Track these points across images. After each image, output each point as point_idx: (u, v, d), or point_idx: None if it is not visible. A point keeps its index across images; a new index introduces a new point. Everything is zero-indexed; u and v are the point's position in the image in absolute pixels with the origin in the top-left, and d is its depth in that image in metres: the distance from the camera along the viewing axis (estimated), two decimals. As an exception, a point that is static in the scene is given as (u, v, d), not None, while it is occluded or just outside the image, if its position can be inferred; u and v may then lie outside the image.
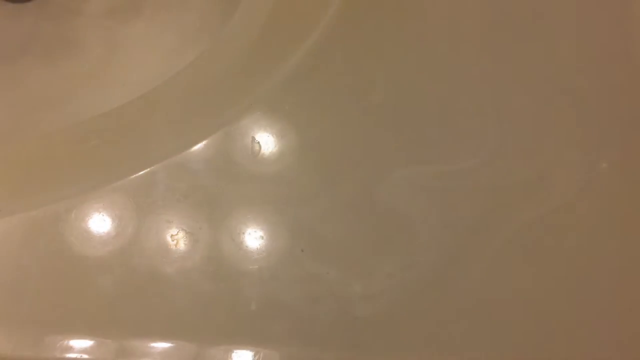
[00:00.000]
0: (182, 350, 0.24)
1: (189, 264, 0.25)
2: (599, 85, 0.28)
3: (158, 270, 0.25)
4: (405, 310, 0.24)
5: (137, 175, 0.26)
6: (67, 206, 0.26)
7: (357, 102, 0.28)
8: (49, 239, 0.25)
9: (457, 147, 0.27)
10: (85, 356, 0.24)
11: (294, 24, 0.29)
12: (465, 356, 0.24)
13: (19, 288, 0.25)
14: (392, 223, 0.26)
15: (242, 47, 0.29)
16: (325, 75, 0.28)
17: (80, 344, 0.24)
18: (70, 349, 0.24)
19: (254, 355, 0.24)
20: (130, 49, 0.37)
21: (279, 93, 0.28)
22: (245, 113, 0.28)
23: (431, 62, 0.28)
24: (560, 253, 0.25)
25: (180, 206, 0.26)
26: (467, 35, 0.29)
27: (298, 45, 0.29)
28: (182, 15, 0.37)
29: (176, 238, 0.25)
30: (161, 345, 0.24)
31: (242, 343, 0.24)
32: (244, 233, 0.26)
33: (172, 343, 0.24)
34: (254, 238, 0.26)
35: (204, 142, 0.27)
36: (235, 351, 0.24)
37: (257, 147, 0.27)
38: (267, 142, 0.27)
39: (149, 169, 0.26)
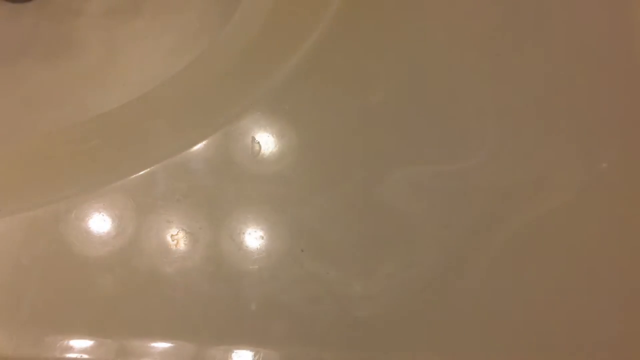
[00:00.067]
0: (182, 350, 0.24)
1: (189, 264, 0.25)
2: (599, 85, 0.28)
3: (158, 270, 0.25)
4: (405, 310, 0.24)
5: (137, 175, 0.26)
6: (67, 206, 0.26)
7: (357, 102, 0.28)
8: (49, 239, 0.25)
9: (457, 147, 0.27)
10: (85, 356, 0.24)
11: (294, 24, 0.29)
12: (465, 356, 0.24)
13: (19, 288, 0.25)
14: (392, 223, 0.26)
15: (242, 47, 0.29)
16: (325, 76, 0.28)
17: (80, 344, 0.24)
18: (70, 349, 0.24)
19: (254, 355, 0.24)
20: (130, 49, 0.37)
21: (279, 93, 0.28)
22: (245, 113, 0.28)
23: (431, 62, 0.28)
24: (560, 253, 0.25)
25: (180, 206, 0.26)
26: (467, 35, 0.29)
27: (298, 45, 0.29)
28: (182, 15, 0.37)
29: (176, 238, 0.25)
30: (161, 345, 0.24)
31: (242, 343, 0.24)
32: (243, 233, 0.26)
33: (172, 343, 0.24)
34: (253, 238, 0.25)
35: (204, 142, 0.27)
36: (235, 351, 0.24)
37: (257, 147, 0.27)
38: (267, 142, 0.27)
39: (149, 169, 0.26)
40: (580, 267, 0.25)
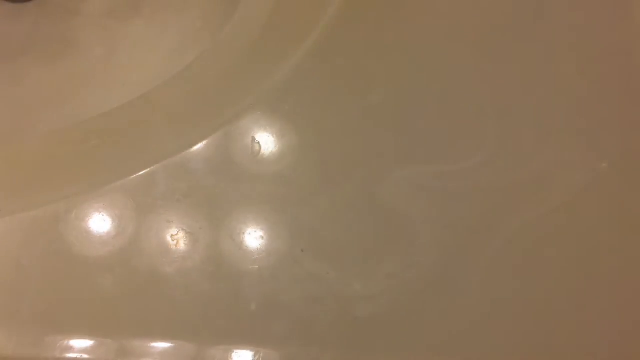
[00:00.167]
0: (182, 350, 0.24)
1: (189, 264, 0.25)
2: (599, 85, 0.28)
3: (158, 270, 0.25)
4: (405, 310, 0.24)
5: (137, 175, 0.26)
6: (67, 206, 0.26)
7: (357, 102, 0.28)
8: (49, 239, 0.25)
9: (457, 147, 0.27)
10: (85, 356, 0.24)
11: (294, 24, 0.29)
12: (465, 356, 0.24)
13: (19, 288, 0.25)
14: (392, 223, 0.26)
15: (242, 47, 0.29)
16: (325, 76, 0.28)
17: (80, 344, 0.24)
18: (70, 349, 0.24)
19: (254, 355, 0.24)
20: (130, 49, 0.37)
21: (279, 93, 0.28)
22: (245, 113, 0.28)
23: (431, 62, 0.28)
24: (560, 253, 0.25)
25: (180, 206, 0.26)
26: (467, 35, 0.29)
27: (298, 45, 0.29)
28: (182, 15, 0.37)
29: (176, 238, 0.25)
30: (161, 345, 0.24)
31: (242, 343, 0.24)
32: (243, 233, 0.26)
33: (172, 343, 0.24)
34: (253, 238, 0.25)
35: (204, 142, 0.27)
36: (235, 351, 0.24)
37: (257, 147, 0.27)
38: (267, 142, 0.27)
39: (149, 169, 0.26)
40: (580, 267, 0.25)
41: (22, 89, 0.36)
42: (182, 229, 0.26)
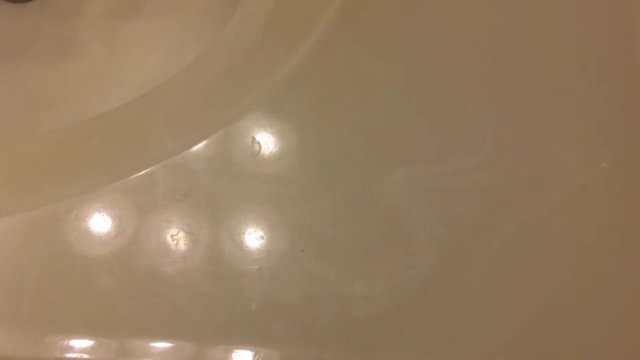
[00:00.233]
0: (182, 350, 0.24)
1: (189, 264, 0.25)
2: (599, 85, 0.28)
3: (158, 270, 0.25)
4: (405, 310, 0.24)
5: (137, 175, 0.26)
6: (67, 206, 0.26)
7: (357, 102, 0.28)
8: (49, 239, 0.25)
9: (457, 147, 0.27)
10: (85, 356, 0.24)
11: (294, 24, 0.29)
12: (465, 356, 0.24)
13: (19, 288, 0.25)
14: (392, 223, 0.26)
15: (242, 47, 0.29)
16: (325, 76, 0.28)
17: (80, 344, 0.24)
18: (70, 349, 0.24)
19: (254, 355, 0.24)
20: (130, 49, 0.37)
21: (279, 93, 0.28)
22: (245, 113, 0.28)
23: (431, 61, 0.28)
24: (560, 253, 0.25)
25: (180, 206, 0.26)
26: (467, 35, 0.29)
27: (298, 45, 0.29)
28: (182, 15, 0.37)
29: (176, 238, 0.25)
30: (161, 345, 0.24)
31: (242, 343, 0.24)
32: (244, 233, 0.26)
33: (172, 343, 0.24)
34: (254, 238, 0.26)
35: (204, 142, 0.27)
36: (235, 351, 0.24)
37: (257, 147, 0.27)
38: (267, 142, 0.27)
39: (149, 169, 0.26)
40: (580, 267, 0.25)
41: (22, 89, 0.36)
42: (182, 229, 0.26)
